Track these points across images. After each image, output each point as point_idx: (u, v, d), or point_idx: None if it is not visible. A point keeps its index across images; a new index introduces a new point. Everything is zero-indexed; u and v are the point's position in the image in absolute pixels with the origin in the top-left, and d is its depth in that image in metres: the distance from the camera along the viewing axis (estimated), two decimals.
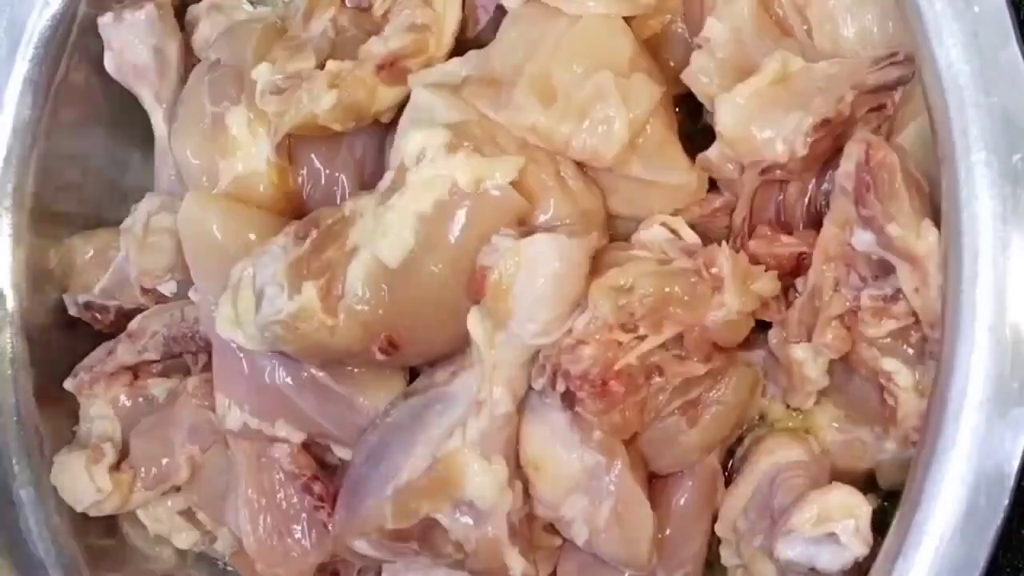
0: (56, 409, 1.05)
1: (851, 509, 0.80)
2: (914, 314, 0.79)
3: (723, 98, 0.81)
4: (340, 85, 0.88)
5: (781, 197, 0.85)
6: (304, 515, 0.94)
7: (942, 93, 0.73)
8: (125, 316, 1.04)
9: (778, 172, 0.82)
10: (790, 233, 0.84)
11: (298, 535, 0.95)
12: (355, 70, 0.89)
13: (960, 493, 0.72)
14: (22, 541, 1.01)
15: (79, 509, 1.00)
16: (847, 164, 0.78)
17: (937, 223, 0.76)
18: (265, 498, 0.95)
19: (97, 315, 1.05)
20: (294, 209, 0.95)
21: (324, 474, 0.94)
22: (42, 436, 1.03)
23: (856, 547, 0.79)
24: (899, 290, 0.78)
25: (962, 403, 0.72)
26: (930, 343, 0.79)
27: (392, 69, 0.89)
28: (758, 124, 0.81)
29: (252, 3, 1.07)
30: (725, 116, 0.81)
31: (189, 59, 1.06)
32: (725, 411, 0.86)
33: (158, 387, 1.04)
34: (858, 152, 0.77)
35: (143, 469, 1.01)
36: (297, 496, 0.94)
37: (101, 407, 1.03)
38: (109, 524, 1.05)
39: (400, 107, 0.90)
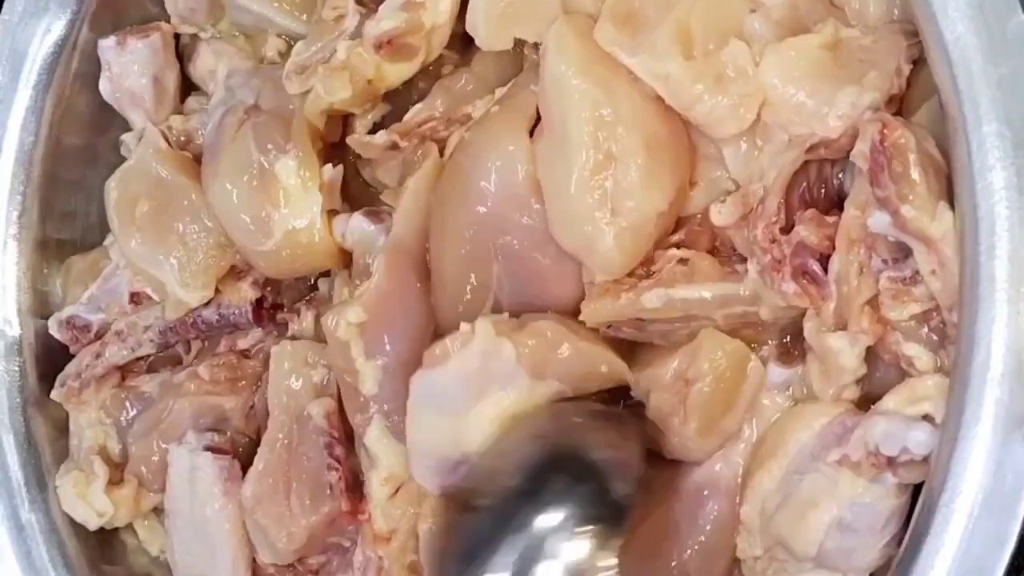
0: (67, 436, 1.04)
1: (944, 390, 0.77)
2: (934, 297, 0.79)
3: (772, 48, 0.81)
4: (347, 67, 0.90)
5: (805, 183, 0.84)
6: (313, 471, 0.93)
7: (950, 66, 0.73)
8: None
9: (822, 151, 0.81)
10: None
11: (298, 490, 0.93)
12: (356, 49, 0.90)
13: (987, 468, 0.72)
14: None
15: (91, 528, 0.99)
16: (862, 144, 0.78)
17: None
18: (287, 441, 0.94)
19: (77, 335, 1.03)
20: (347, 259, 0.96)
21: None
22: (51, 462, 1.02)
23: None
24: (918, 272, 0.78)
25: (984, 377, 0.72)
26: (949, 327, 0.79)
27: (391, 47, 0.89)
28: (808, 92, 0.81)
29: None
30: (772, 69, 0.81)
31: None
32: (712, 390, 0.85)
33: (149, 383, 1.03)
34: (873, 131, 0.77)
35: (146, 471, 1.00)
36: (315, 452, 0.93)
37: (91, 414, 1.02)
38: None
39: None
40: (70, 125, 1.05)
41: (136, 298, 1.02)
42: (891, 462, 0.78)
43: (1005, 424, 0.72)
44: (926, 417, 0.78)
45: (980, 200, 0.72)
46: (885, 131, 0.77)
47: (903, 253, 0.79)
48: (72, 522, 1.00)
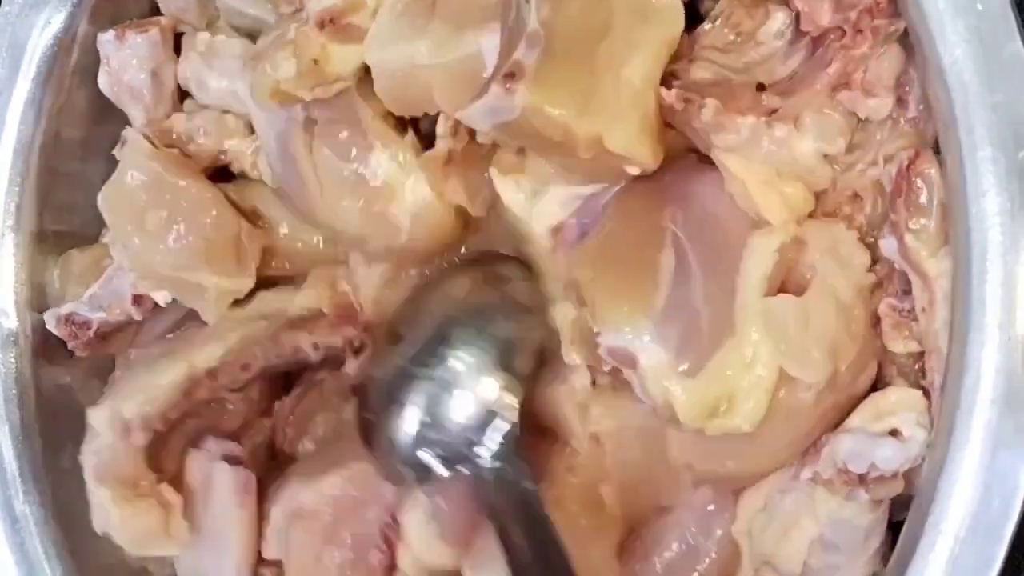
0: (60, 429, 1.03)
1: (911, 403, 0.79)
2: None
3: None
4: (293, 43, 0.89)
5: None
6: (359, 540, 0.94)
7: (946, 90, 0.73)
8: (103, 339, 1.03)
9: None
10: None
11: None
12: (302, 28, 0.88)
13: (974, 492, 0.72)
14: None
15: None
16: (890, 166, 0.80)
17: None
18: None
19: (76, 332, 1.02)
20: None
21: None
22: (45, 455, 1.02)
23: (919, 437, 0.77)
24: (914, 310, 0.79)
25: (974, 399, 0.72)
26: (928, 373, 0.80)
27: (335, 26, 0.88)
28: None
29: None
30: None
31: None
32: None
33: None
34: (904, 156, 0.79)
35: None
36: (366, 526, 0.95)
37: None
38: None
39: None
40: (69, 118, 1.05)
41: (139, 300, 1.01)
42: (862, 479, 0.79)
43: (994, 447, 0.72)
44: (893, 432, 0.78)
45: (973, 225, 0.72)
46: (916, 159, 0.77)
47: (911, 287, 0.80)
48: (66, 514, 1.00)
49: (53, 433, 1.03)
